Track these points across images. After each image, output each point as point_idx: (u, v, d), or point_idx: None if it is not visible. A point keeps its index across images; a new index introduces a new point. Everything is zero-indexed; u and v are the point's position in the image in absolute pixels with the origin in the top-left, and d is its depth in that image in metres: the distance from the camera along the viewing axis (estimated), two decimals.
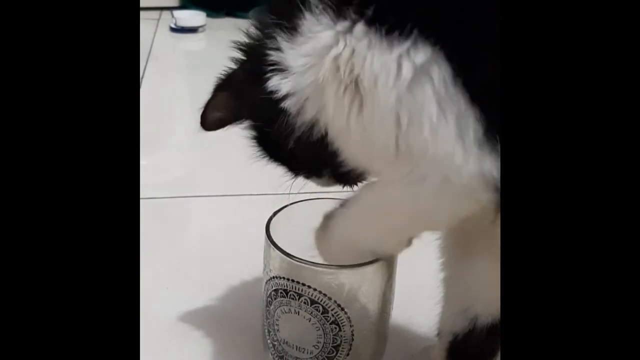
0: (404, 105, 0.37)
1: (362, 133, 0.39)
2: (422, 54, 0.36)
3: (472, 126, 0.36)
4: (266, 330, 0.54)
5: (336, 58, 0.38)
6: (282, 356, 0.53)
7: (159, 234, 0.78)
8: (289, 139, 0.42)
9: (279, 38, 0.41)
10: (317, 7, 0.39)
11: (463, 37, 0.37)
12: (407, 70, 0.36)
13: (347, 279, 0.50)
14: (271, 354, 0.54)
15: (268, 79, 0.41)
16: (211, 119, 0.49)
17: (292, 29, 0.40)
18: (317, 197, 0.54)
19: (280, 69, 0.41)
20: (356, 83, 0.38)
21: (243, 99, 0.47)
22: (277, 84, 0.41)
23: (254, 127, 0.48)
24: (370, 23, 0.37)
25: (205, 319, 0.64)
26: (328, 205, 0.49)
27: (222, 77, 0.48)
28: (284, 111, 0.41)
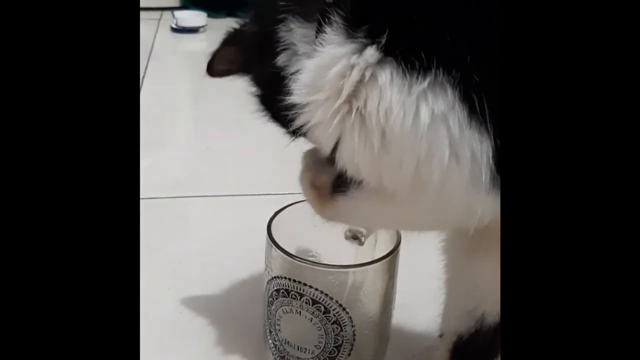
0: (416, 148, 0.36)
1: (369, 161, 0.38)
2: (441, 97, 0.34)
3: (485, 169, 0.35)
4: (267, 330, 0.54)
5: (340, 78, 0.37)
6: (284, 356, 0.53)
7: (160, 234, 0.78)
8: (290, 112, 0.42)
9: (292, 25, 0.40)
10: (333, 20, 0.37)
11: (478, 72, 0.34)
12: (425, 114, 0.35)
13: (349, 278, 0.49)
14: (272, 354, 0.54)
15: (277, 54, 0.41)
16: (217, 69, 0.49)
17: (304, 17, 0.40)
18: None
19: (289, 48, 0.41)
20: (362, 113, 0.36)
21: (250, 61, 0.46)
22: (286, 60, 0.41)
23: (255, 81, 0.48)
24: (386, 52, 0.35)
25: (206, 319, 0.64)
26: None
27: (232, 31, 0.48)
28: (288, 88, 0.41)
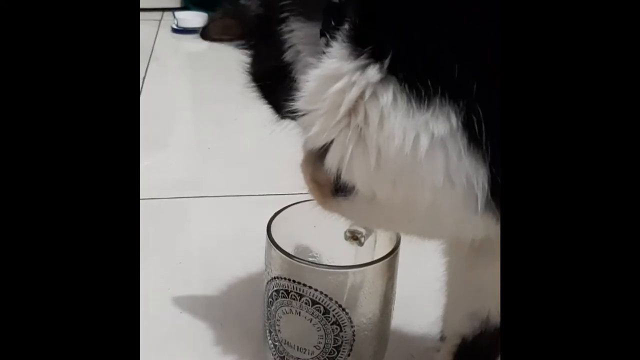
0: (412, 172, 0.36)
1: (364, 176, 0.38)
2: (443, 124, 0.34)
3: (479, 194, 0.35)
4: (267, 331, 0.54)
5: (340, 93, 0.36)
6: (283, 357, 0.53)
7: (160, 235, 0.79)
8: (288, 100, 0.42)
9: (293, 25, 0.40)
10: (338, 33, 0.37)
11: (482, 102, 0.34)
12: (425, 140, 0.34)
13: (348, 279, 0.50)
14: (272, 355, 0.54)
15: (283, 52, 0.41)
16: (212, 36, 0.49)
17: (305, 16, 0.39)
18: None
19: (293, 46, 0.40)
20: (361, 130, 0.36)
21: (249, 39, 0.46)
22: (291, 58, 0.41)
23: (254, 64, 0.47)
24: (389, 73, 0.35)
25: (206, 320, 0.64)
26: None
27: (232, 6, 0.48)
28: (292, 80, 0.41)
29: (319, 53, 0.39)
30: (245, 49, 0.47)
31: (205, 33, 0.48)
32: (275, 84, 0.43)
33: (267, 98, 0.47)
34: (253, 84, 0.48)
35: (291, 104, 0.39)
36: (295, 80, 0.41)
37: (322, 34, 0.39)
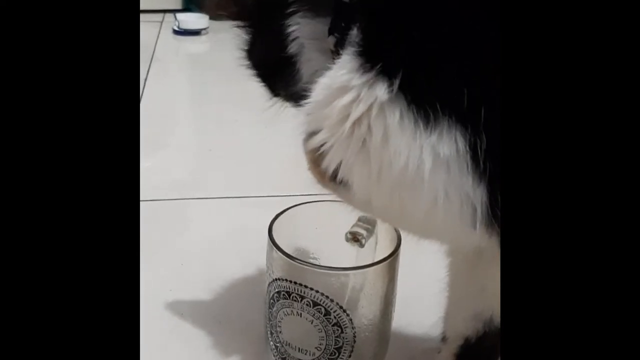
0: (411, 189, 0.35)
1: (362, 184, 0.38)
2: (448, 146, 0.34)
3: (478, 210, 0.35)
4: (268, 332, 0.54)
5: (347, 107, 0.36)
6: (284, 358, 0.53)
7: (162, 236, 0.79)
8: (287, 88, 0.42)
9: (300, 20, 0.40)
10: (347, 44, 0.37)
11: (487, 126, 0.33)
12: (428, 161, 0.34)
13: (349, 280, 0.50)
14: (273, 356, 0.54)
15: (288, 43, 0.41)
16: (209, 12, 0.49)
17: (312, 12, 0.39)
18: (319, 200, 0.54)
19: (298, 39, 0.40)
20: (366, 142, 0.36)
21: (249, 22, 0.46)
22: (296, 50, 0.41)
23: (252, 46, 0.47)
24: (397, 93, 0.34)
25: (207, 321, 0.64)
26: (330, 208, 0.49)
27: None
28: (296, 70, 0.40)
29: (325, 49, 0.39)
30: (243, 28, 0.47)
31: (202, 4, 0.49)
32: (274, 71, 0.43)
33: (264, 81, 0.47)
34: (249, 65, 0.48)
35: (293, 99, 0.39)
36: (298, 71, 0.41)
37: (330, 33, 0.39)
